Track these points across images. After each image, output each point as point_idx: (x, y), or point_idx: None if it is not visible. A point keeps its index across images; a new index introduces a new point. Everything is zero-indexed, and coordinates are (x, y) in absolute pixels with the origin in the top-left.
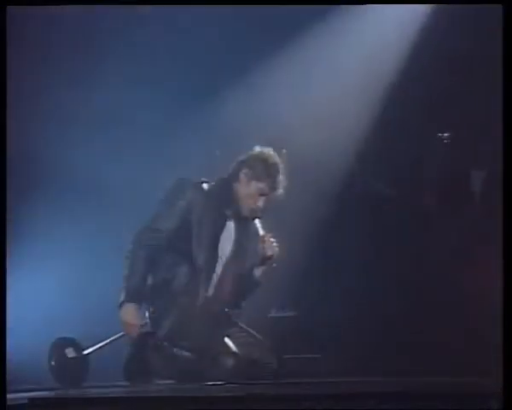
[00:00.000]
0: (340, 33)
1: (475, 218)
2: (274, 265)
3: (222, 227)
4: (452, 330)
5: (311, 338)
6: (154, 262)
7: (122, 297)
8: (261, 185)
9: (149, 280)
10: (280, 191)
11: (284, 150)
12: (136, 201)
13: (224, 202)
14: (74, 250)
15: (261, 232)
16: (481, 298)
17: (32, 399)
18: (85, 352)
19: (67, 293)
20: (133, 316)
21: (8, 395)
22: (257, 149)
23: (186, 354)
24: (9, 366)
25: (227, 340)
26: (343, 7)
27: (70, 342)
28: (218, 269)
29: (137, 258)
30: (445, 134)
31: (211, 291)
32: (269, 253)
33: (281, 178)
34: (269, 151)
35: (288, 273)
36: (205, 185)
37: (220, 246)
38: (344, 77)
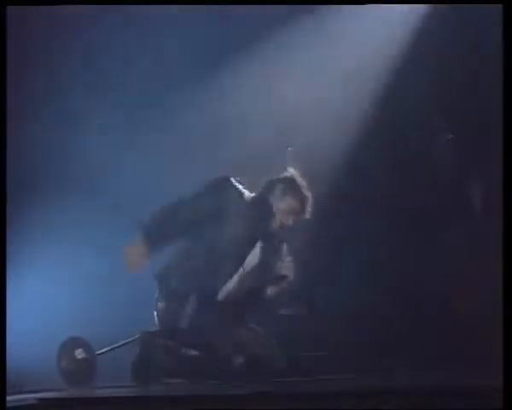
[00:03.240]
0: (340, 34)
1: (478, 218)
2: (285, 285)
3: (253, 239)
4: (452, 331)
5: (321, 336)
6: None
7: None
8: (295, 203)
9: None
10: (307, 216)
11: (290, 148)
12: (141, 199)
13: (259, 215)
14: (80, 249)
15: (284, 252)
16: (482, 298)
17: (41, 399)
18: (97, 353)
19: (74, 293)
20: (139, 255)
21: (17, 396)
22: (291, 170)
23: (194, 353)
24: (18, 366)
25: (235, 339)
26: (344, 7)
27: (79, 343)
28: (235, 279)
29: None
30: (445, 135)
31: (223, 296)
32: (283, 272)
33: (310, 203)
34: (297, 174)
35: (298, 272)
36: (246, 193)
37: (247, 260)
38: (344, 77)
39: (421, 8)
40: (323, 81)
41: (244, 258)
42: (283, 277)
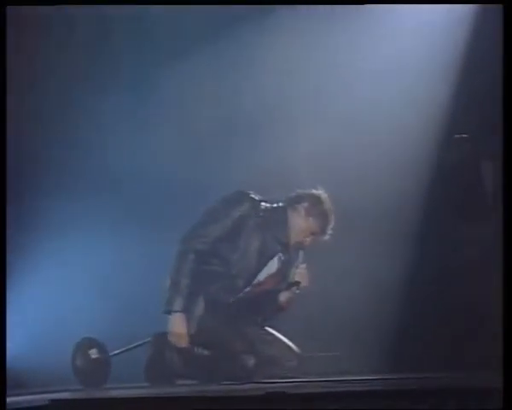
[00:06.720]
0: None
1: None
2: (297, 291)
3: (270, 252)
4: (452, 331)
5: (332, 336)
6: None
7: (170, 305)
8: (315, 225)
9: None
10: (327, 237)
11: None
12: (146, 198)
13: (277, 227)
14: (93, 248)
15: (299, 260)
16: (482, 297)
17: (54, 400)
18: (112, 354)
19: (89, 293)
20: (183, 326)
21: (30, 396)
22: (319, 190)
23: (206, 353)
24: (30, 367)
25: (248, 340)
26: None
27: (94, 344)
28: (249, 288)
29: (185, 263)
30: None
31: (236, 298)
32: (297, 279)
33: (331, 225)
34: (326, 196)
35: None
36: (263, 204)
37: (263, 270)
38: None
39: (420, 8)
40: (362, 85)
41: (260, 269)
42: (296, 282)
